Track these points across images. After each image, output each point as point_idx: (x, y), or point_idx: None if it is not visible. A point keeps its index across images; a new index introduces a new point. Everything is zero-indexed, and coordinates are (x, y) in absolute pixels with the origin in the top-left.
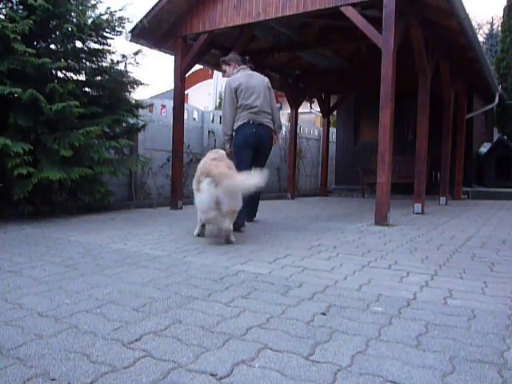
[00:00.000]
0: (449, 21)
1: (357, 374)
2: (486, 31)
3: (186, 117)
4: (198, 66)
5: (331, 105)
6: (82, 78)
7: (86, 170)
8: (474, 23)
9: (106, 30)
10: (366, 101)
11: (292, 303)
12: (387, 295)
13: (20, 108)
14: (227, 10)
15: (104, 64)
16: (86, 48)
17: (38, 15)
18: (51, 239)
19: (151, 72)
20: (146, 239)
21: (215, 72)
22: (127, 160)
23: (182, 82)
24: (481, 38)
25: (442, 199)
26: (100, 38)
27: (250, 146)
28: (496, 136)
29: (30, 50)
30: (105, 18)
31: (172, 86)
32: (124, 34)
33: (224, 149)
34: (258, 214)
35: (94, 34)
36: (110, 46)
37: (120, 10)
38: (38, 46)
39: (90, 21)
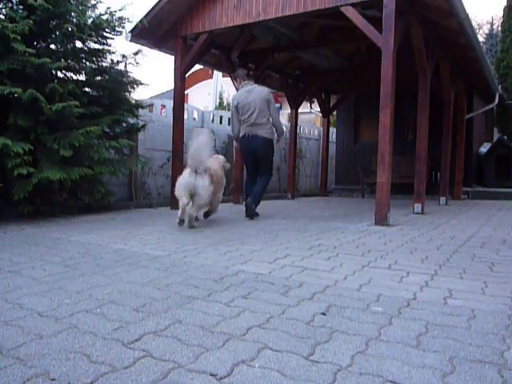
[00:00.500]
0: (449, 21)
1: (357, 373)
2: (486, 31)
3: (186, 117)
4: (198, 66)
5: (331, 105)
6: (82, 78)
7: (86, 169)
8: (474, 23)
9: (106, 30)
10: (366, 101)
11: (292, 303)
12: (387, 295)
13: (20, 108)
14: (227, 9)
15: (104, 64)
16: (85, 48)
17: (38, 15)
18: (51, 239)
19: (151, 72)
20: (146, 239)
21: (215, 72)
22: (127, 160)
23: (182, 82)
24: (481, 38)
25: (442, 199)
26: (100, 38)
27: (246, 156)
28: (496, 136)
29: (30, 50)
30: (105, 18)
31: (172, 86)
32: (124, 34)
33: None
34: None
35: (93, 33)
36: (110, 45)
37: (120, 10)
38: (38, 45)
39: (89, 21)
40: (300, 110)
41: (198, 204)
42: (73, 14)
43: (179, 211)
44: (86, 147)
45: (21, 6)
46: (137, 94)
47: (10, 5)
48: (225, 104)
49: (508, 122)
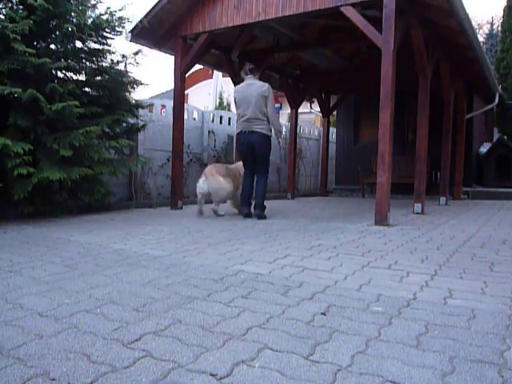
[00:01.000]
0: (449, 21)
1: (357, 373)
2: (486, 31)
3: (186, 117)
4: (198, 66)
5: (331, 105)
6: (82, 78)
7: (86, 169)
8: (474, 23)
9: (106, 30)
10: (366, 101)
11: (292, 303)
12: (387, 295)
13: (20, 108)
14: (227, 9)
15: (104, 64)
16: (86, 48)
17: (38, 15)
18: (51, 239)
19: (151, 72)
20: (146, 239)
21: (215, 72)
22: (127, 160)
23: (182, 82)
24: (481, 38)
25: (442, 199)
26: (100, 38)
27: (243, 153)
28: (496, 136)
29: (30, 50)
30: (105, 18)
31: (172, 86)
32: (124, 34)
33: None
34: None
35: (94, 33)
36: (110, 46)
37: (120, 10)
38: (38, 45)
39: (89, 21)
40: (300, 110)
41: (215, 200)
42: (73, 13)
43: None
44: (86, 147)
45: (21, 6)
46: (137, 94)
47: (9, 5)
48: (225, 104)
49: (508, 122)
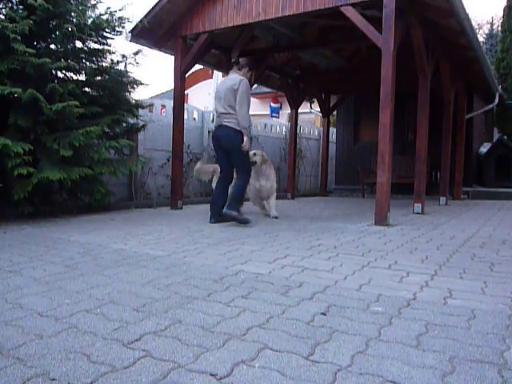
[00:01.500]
0: (449, 21)
1: (357, 373)
2: (486, 31)
3: (186, 117)
4: (198, 66)
5: (331, 105)
6: (82, 78)
7: (86, 169)
8: (474, 23)
9: (106, 30)
10: (366, 101)
11: (292, 303)
12: (387, 295)
13: (20, 108)
14: (227, 9)
15: (104, 64)
16: (85, 48)
17: (38, 15)
18: (51, 239)
19: (151, 72)
20: (146, 239)
21: (215, 72)
22: (127, 160)
23: (182, 82)
24: (481, 38)
25: (442, 199)
26: (100, 38)
27: (214, 149)
28: (496, 136)
29: (30, 50)
30: (105, 17)
31: (172, 86)
32: (124, 34)
33: None
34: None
35: (94, 34)
36: (110, 46)
37: (120, 10)
38: (38, 46)
39: (90, 21)
40: (300, 110)
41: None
42: (73, 13)
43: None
44: (85, 147)
45: (21, 6)
46: (137, 94)
47: (10, 5)
48: None
49: (508, 122)
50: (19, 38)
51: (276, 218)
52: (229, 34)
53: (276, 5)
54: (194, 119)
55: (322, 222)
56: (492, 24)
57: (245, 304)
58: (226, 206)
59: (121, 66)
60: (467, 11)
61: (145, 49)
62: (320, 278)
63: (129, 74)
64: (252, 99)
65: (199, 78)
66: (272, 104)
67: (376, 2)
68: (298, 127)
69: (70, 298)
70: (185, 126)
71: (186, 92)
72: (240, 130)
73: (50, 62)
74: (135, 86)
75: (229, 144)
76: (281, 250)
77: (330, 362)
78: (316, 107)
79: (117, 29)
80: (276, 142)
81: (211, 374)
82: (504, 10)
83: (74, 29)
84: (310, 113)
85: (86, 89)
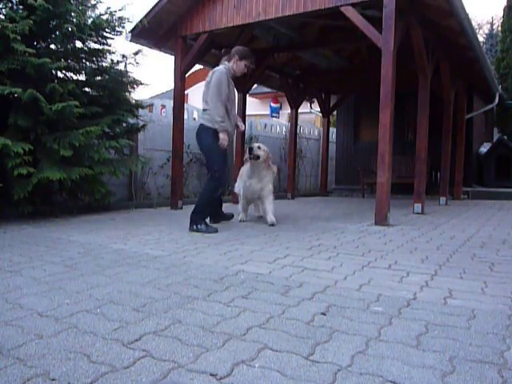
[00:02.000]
0: (449, 21)
1: (357, 373)
2: (486, 31)
3: (185, 117)
4: (198, 66)
5: (331, 105)
6: (82, 77)
7: (86, 169)
8: (474, 23)
9: (106, 30)
10: (366, 101)
11: (292, 303)
12: (387, 295)
13: (20, 108)
14: (227, 9)
15: (104, 64)
16: (85, 48)
17: (38, 15)
18: (51, 239)
19: (151, 72)
20: (146, 239)
21: None
22: (127, 160)
23: (182, 82)
24: (481, 38)
25: (442, 199)
26: (100, 38)
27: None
28: (496, 136)
29: (30, 50)
30: (105, 17)
31: (172, 86)
32: (124, 34)
33: None
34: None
35: (94, 33)
36: (109, 45)
37: (120, 10)
38: (38, 45)
39: (90, 21)
40: (300, 110)
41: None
42: (73, 13)
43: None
44: (85, 147)
45: (21, 6)
46: (137, 94)
47: (9, 5)
48: None
49: (508, 122)
50: (19, 38)
51: (272, 225)
52: (229, 33)
53: (276, 5)
54: (194, 119)
55: (322, 221)
56: (492, 24)
57: (245, 304)
58: (190, 214)
59: (121, 66)
60: (467, 11)
61: (145, 49)
62: (320, 277)
63: (129, 74)
64: (252, 99)
65: (199, 77)
66: (272, 104)
67: (376, 1)
68: (298, 127)
69: (70, 298)
70: (185, 125)
71: (186, 92)
72: (211, 126)
73: (49, 61)
74: (135, 86)
75: (198, 142)
76: (281, 250)
77: (330, 362)
78: (316, 107)
79: (117, 29)
80: (276, 142)
81: (211, 374)
82: (504, 10)
83: (74, 29)
84: (310, 113)
85: (86, 89)
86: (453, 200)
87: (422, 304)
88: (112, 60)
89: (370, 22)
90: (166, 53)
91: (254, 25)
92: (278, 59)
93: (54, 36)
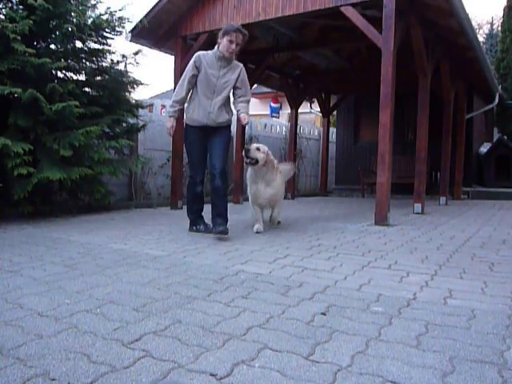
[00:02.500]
0: (449, 21)
1: (357, 373)
2: (486, 31)
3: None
4: None
5: (331, 105)
6: (82, 78)
7: (86, 170)
8: (474, 23)
9: (106, 30)
10: (366, 101)
11: (292, 303)
12: (387, 295)
13: (20, 108)
14: (227, 9)
15: (104, 64)
16: (85, 48)
17: (38, 15)
18: (51, 239)
19: (151, 72)
20: (145, 239)
21: None
22: (127, 160)
23: None
24: (481, 38)
25: (442, 199)
26: (100, 38)
27: None
28: (496, 136)
29: (30, 50)
30: (105, 17)
31: (172, 86)
32: (124, 33)
33: None
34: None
35: (94, 34)
36: (109, 46)
37: (120, 10)
38: (38, 45)
39: (90, 21)
40: (300, 110)
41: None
42: (73, 13)
43: None
44: (85, 147)
45: (21, 6)
46: (137, 94)
47: (9, 5)
48: None
49: (508, 122)
50: (19, 38)
51: (279, 222)
52: None
53: (276, 5)
54: None
55: (322, 221)
56: (492, 24)
57: (245, 304)
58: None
59: (121, 66)
60: (467, 11)
61: (145, 49)
62: (320, 278)
63: (129, 74)
64: (252, 99)
65: None
66: (272, 104)
67: (376, 1)
68: (298, 127)
69: (70, 298)
70: None
71: None
72: (185, 120)
73: (50, 61)
74: (135, 85)
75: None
76: (281, 250)
77: (330, 362)
78: (316, 107)
79: (117, 29)
80: (276, 142)
81: (211, 374)
82: (504, 10)
83: (74, 29)
84: (310, 113)
85: (86, 89)
86: (453, 200)
87: (421, 304)
88: (112, 60)
89: (370, 22)
90: (165, 53)
91: (254, 25)
92: (278, 59)
93: (53, 36)
